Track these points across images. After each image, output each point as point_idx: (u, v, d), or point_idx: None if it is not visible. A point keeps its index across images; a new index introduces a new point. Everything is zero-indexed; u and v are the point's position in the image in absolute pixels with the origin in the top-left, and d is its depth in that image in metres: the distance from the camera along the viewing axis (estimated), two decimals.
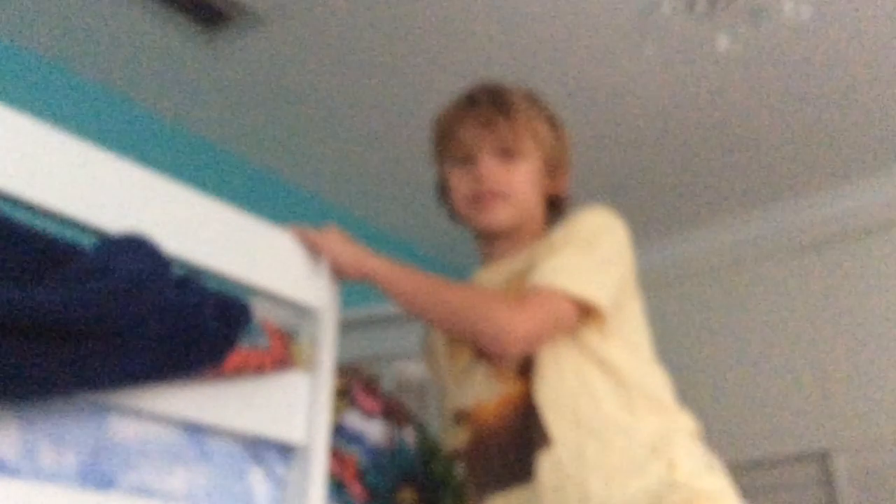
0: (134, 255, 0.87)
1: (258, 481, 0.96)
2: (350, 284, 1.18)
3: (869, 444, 2.79)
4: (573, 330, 1.15)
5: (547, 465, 1.10)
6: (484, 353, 1.20)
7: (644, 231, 3.50)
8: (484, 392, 1.19)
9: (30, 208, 0.85)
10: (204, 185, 1.04)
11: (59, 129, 0.88)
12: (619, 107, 2.76)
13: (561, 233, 1.21)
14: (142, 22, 2.41)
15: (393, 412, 1.32)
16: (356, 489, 1.18)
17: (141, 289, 0.81)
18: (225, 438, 0.95)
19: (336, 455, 1.18)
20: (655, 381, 1.19)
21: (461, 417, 1.23)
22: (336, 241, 1.14)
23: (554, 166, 1.30)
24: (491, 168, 1.24)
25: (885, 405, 2.83)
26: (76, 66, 2.57)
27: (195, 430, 0.92)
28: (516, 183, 1.25)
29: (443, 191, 1.34)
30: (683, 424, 1.17)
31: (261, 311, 1.05)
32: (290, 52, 2.54)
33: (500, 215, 1.24)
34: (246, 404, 0.96)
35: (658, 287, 3.35)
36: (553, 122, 1.33)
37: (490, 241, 1.29)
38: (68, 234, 0.88)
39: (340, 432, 1.21)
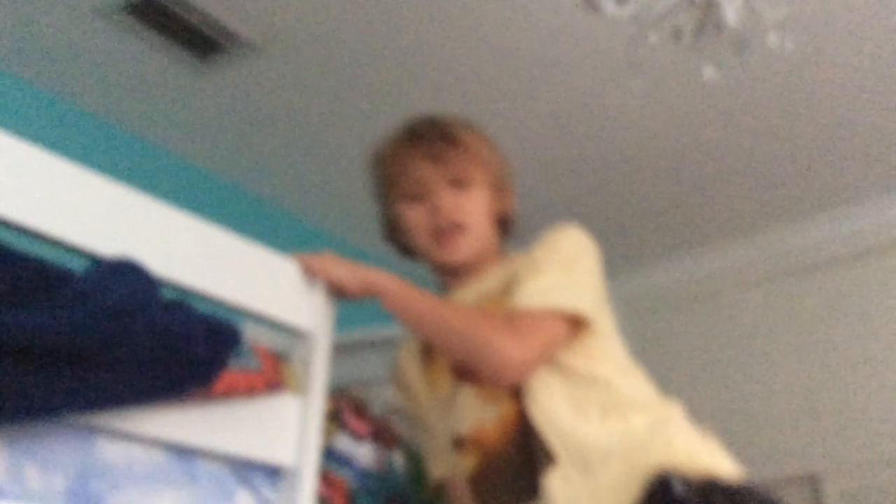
0: (123, 278, 0.87)
1: (246, 503, 0.96)
2: (340, 307, 1.19)
3: (859, 466, 2.79)
4: (565, 348, 1.17)
5: (556, 482, 1.12)
6: (466, 376, 1.21)
7: (628, 258, 3.52)
8: (480, 414, 1.20)
9: (21, 232, 0.86)
10: (197, 211, 1.05)
11: (52, 154, 0.89)
12: (606, 135, 2.79)
13: (541, 252, 1.23)
14: (136, 51, 2.43)
15: (382, 435, 1.32)
16: None
17: (130, 312, 0.82)
18: (212, 460, 0.95)
19: (325, 477, 1.18)
20: (641, 387, 1.24)
21: (460, 443, 1.24)
22: (333, 263, 1.15)
23: (501, 188, 1.34)
24: (447, 200, 1.26)
25: (874, 428, 2.84)
26: (69, 93, 2.59)
27: (182, 452, 0.92)
28: (471, 211, 1.27)
29: (392, 229, 1.35)
30: (674, 412, 1.21)
31: (254, 334, 1.05)
32: (282, 81, 2.57)
33: (461, 250, 1.27)
34: (236, 426, 0.96)
35: (645, 314, 3.37)
36: (493, 146, 1.35)
37: (451, 272, 1.31)
38: (62, 258, 0.89)
39: (330, 455, 1.21)
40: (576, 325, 1.17)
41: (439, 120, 1.33)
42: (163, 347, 0.83)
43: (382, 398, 1.39)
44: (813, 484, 2.83)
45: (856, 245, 3.12)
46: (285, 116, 2.72)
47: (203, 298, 1.01)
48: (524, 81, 2.56)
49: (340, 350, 1.37)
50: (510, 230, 1.37)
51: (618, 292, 3.17)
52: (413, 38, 2.40)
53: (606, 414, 1.16)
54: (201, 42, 2.40)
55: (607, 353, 1.22)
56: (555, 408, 1.15)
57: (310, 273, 1.13)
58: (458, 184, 1.27)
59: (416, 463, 1.34)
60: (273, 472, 1.01)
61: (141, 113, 2.69)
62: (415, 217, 1.28)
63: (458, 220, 1.26)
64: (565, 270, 1.19)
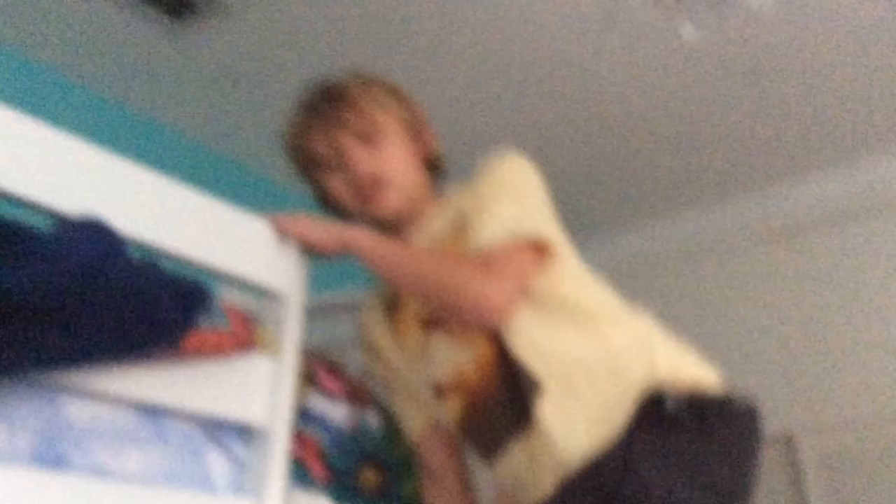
0: (91, 237, 0.86)
1: (216, 462, 0.96)
2: (319, 269, 1.18)
3: (834, 426, 2.83)
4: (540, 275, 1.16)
5: (547, 407, 1.12)
6: (434, 325, 1.21)
7: (610, 221, 3.53)
8: (456, 358, 1.20)
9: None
10: (168, 173, 1.04)
11: (20, 114, 0.87)
12: (587, 96, 2.77)
13: (485, 185, 1.22)
14: (109, 12, 2.38)
15: (356, 394, 1.32)
16: (318, 470, 1.18)
17: (95, 270, 0.81)
18: (182, 420, 0.95)
19: (298, 436, 1.18)
20: (610, 300, 1.24)
21: (441, 391, 1.23)
22: (307, 222, 1.15)
23: (415, 129, 1.32)
24: (359, 157, 1.25)
25: (849, 388, 2.88)
26: (42, 55, 2.54)
27: (151, 412, 0.92)
28: (388, 161, 1.26)
29: (326, 203, 1.34)
30: (648, 326, 1.22)
31: (227, 295, 1.05)
32: (257, 42, 2.53)
33: (389, 203, 1.26)
34: (206, 386, 0.95)
35: (622, 276, 3.37)
36: (393, 89, 1.33)
37: (391, 226, 1.30)
38: (30, 218, 0.88)
39: (303, 414, 1.21)
40: (540, 251, 1.17)
41: (329, 83, 1.32)
42: (129, 306, 0.83)
43: (359, 360, 1.39)
44: (788, 444, 2.87)
45: (834, 208, 3.13)
46: (259, 78, 2.68)
47: (175, 259, 1.00)
48: (502, 43, 2.53)
49: (317, 312, 1.37)
50: (441, 169, 1.36)
51: (596, 255, 3.18)
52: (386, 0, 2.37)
53: (583, 331, 1.16)
54: (175, 3, 2.35)
55: (571, 273, 1.22)
56: (531, 334, 1.15)
57: (282, 233, 1.12)
58: (367, 139, 1.26)
59: (390, 422, 1.34)
60: (245, 432, 1.02)
61: (113, 74, 2.64)
62: (336, 184, 1.28)
63: (376, 175, 1.25)
64: (517, 199, 1.18)
